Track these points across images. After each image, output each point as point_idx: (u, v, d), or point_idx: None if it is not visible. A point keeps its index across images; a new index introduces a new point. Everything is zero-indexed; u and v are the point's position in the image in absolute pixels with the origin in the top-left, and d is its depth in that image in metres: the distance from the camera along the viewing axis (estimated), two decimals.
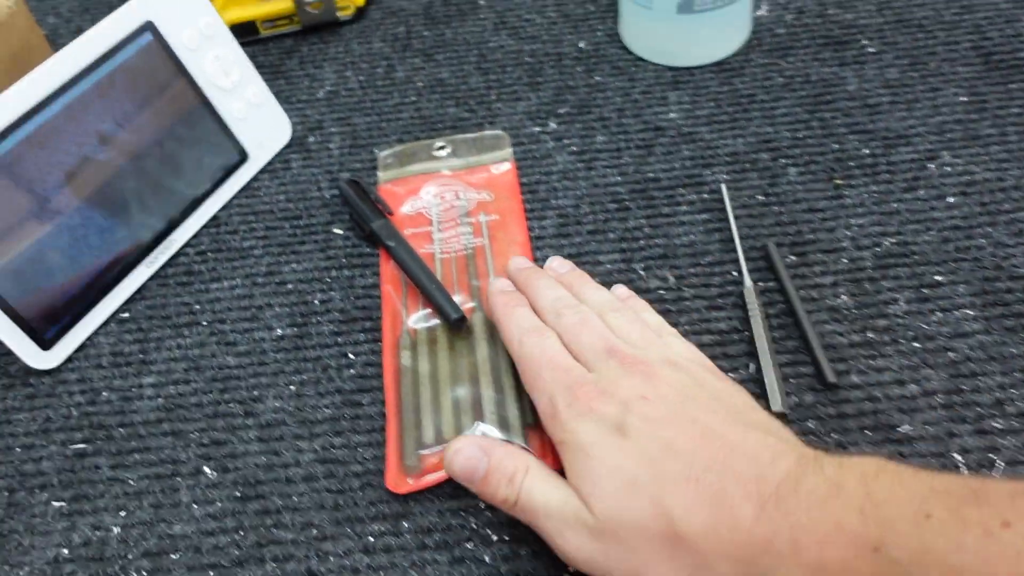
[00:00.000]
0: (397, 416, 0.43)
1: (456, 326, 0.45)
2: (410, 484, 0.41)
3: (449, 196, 0.53)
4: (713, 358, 0.41)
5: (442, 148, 0.56)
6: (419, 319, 0.47)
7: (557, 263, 0.46)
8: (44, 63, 0.45)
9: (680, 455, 0.33)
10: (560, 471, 0.36)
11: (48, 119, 0.46)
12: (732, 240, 0.50)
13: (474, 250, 0.50)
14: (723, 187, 0.52)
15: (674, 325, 0.43)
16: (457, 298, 0.47)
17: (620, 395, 0.36)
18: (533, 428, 0.41)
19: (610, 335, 0.39)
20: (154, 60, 0.50)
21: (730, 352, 0.45)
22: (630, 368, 0.37)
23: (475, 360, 0.44)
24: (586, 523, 0.34)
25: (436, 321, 0.47)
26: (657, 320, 0.43)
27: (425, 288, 0.47)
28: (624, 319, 0.41)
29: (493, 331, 0.46)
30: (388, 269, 0.50)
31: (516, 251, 0.50)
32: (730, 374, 0.43)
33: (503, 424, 0.41)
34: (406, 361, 0.45)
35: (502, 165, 0.54)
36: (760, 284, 0.47)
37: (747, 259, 0.49)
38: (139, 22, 0.49)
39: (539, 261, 0.49)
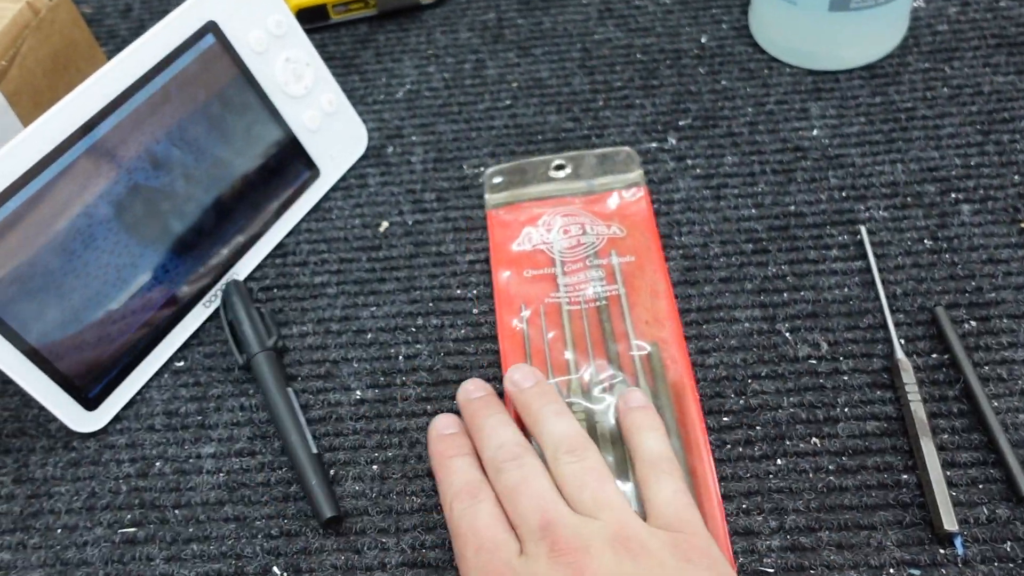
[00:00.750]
0: None
1: (327, 527, 0.37)
2: None
3: (575, 230, 0.44)
4: (870, 451, 0.33)
5: (560, 167, 0.47)
6: (572, 390, 0.39)
7: (519, 375, 0.38)
8: (88, 78, 0.38)
9: None
10: None
11: (95, 142, 0.39)
12: (894, 297, 0.41)
13: (608, 300, 0.42)
14: (863, 230, 0.43)
15: (829, 406, 0.35)
16: (590, 368, 0.39)
17: None
18: None
19: (551, 502, 0.33)
20: (216, 66, 0.43)
21: (898, 444, 0.37)
22: (559, 558, 0.31)
23: (622, 452, 0.37)
24: None
25: (578, 398, 0.39)
26: (652, 452, 0.35)
27: (300, 466, 0.37)
28: (581, 467, 0.34)
29: None
30: (506, 326, 0.42)
31: (660, 305, 0.41)
32: (887, 474, 0.36)
33: None
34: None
35: (633, 191, 0.46)
36: (933, 357, 0.39)
37: (913, 323, 0.40)
38: (201, 22, 0.42)
39: (681, 312, 0.41)
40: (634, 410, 0.37)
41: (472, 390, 0.38)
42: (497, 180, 0.47)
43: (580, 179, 0.47)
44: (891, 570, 0.34)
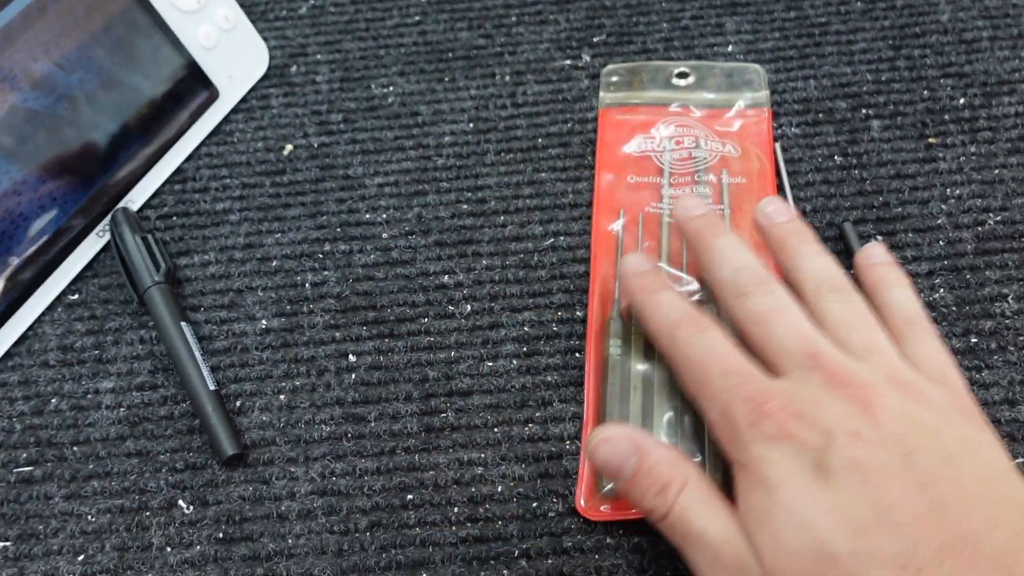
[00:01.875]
0: (596, 422, 0.35)
1: (228, 464, 0.36)
2: (604, 512, 0.33)
3: (687, 142, 0.42)
4: None
5: (684, 75, 0.45)
6: None
7: (773, 208, 0.35)
8: None
9: (898, 531, 0.25)
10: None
11: None
12: (804, 214, 0.41)
13: None
14: (777, 147, 0.43)
15: None
16: (682, 285, 0.38)
17: (823, 421, 0.27)
18: None
19: (814, 334, 0.30)
20: None
21: None
22: (839, 388, 0.28)
23: None
24: (748, 575, 0.27)
25: None
26: (908, 306, 0.32)
27: (198, 404, 0.36)
28: (847, 308, 0.31)
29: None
30: (601, 229, 0.40)
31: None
32: None
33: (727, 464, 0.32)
34: (615, 352, 0.36)
35: (756, 111, 0.44)
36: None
37: (823, 239, 0.40)
38: None
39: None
40: (878, 265, 0.34)
41: (692, 206, 0.35)
42: (614, 79, 0.45)
43: (703, 90, 0.45)
44: None
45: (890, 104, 0.45)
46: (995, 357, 0.37)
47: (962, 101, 0.44)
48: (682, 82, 0.45)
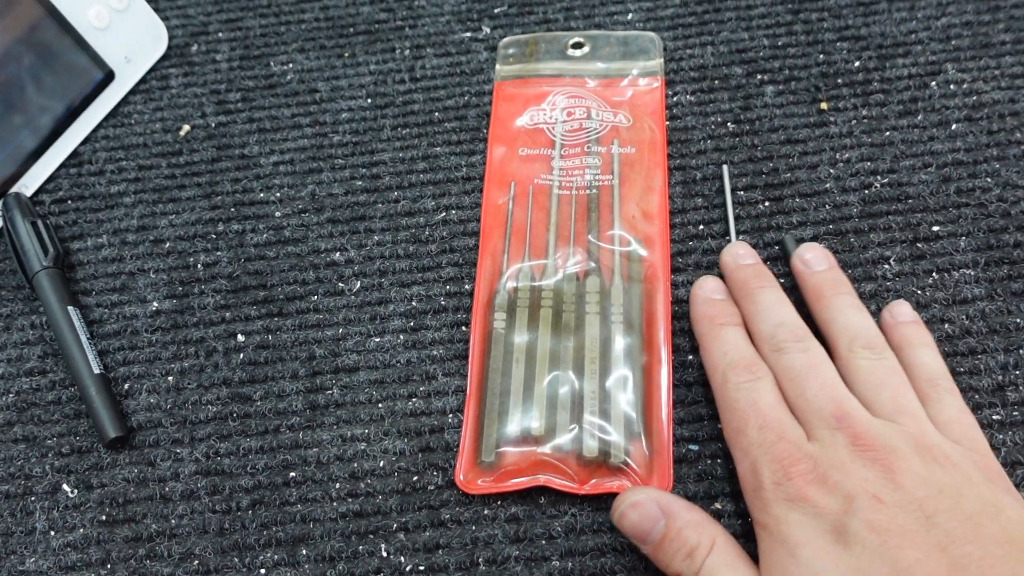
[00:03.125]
0: (479, 395, 0.36)
1: (112, 447, 0.36)
2: (482, 485, 0.34)
3: (579, 112, 0.42)
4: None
5: (579, 45, 0.45)
6: (523, 274, 0.38)
7: (812, 256, 0.36)
8: None
9: None
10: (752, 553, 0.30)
11: None
12: (694, 182, 0.42)
13: (599, 190, 0.40)
14: (724, 169, 0.43)
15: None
16: (568, 254, 0.39)
17: (846, 486, 0.28)
18: (639, 439, 0.34)
19: (844, 394, 0.31)
20: None
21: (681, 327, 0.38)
22: (863, 451, 0.29)
23: (583, 341, 0.36)
24: None
25: (549, 280, 0.38)
26: (933, 368, 0.33)
27: (83, 388, 0.36)
28: (878, 367, 0.32)
29: (608, 306, 0.37)
30: (492, 202, 0.40)
31: (653, 201, 0.40)
32: None
33: (604, 430, 0.34)
34: (499, 325, 0.37)
35: (649, 80, 0.44)
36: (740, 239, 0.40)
37: (711, 207, 0.41)
38: None
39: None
40: (904, 324, 0.35)
41: (743, 254, 0.37)
42: (511, 51, 0.45)
43: (597, 60, 0.45)
44: None
45: (785, 69, 0.45)
46: (875, 319, 0.37)
47: (856, 64, 0.44)
48: (577, 52, 0.45)
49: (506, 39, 0.46)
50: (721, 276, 0.38)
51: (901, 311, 0.35)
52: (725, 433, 0.32)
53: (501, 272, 0.38)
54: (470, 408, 0.36)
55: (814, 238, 0.39)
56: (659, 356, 0.36)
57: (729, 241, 0.39)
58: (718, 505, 0.34)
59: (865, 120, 0.43)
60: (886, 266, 0.39)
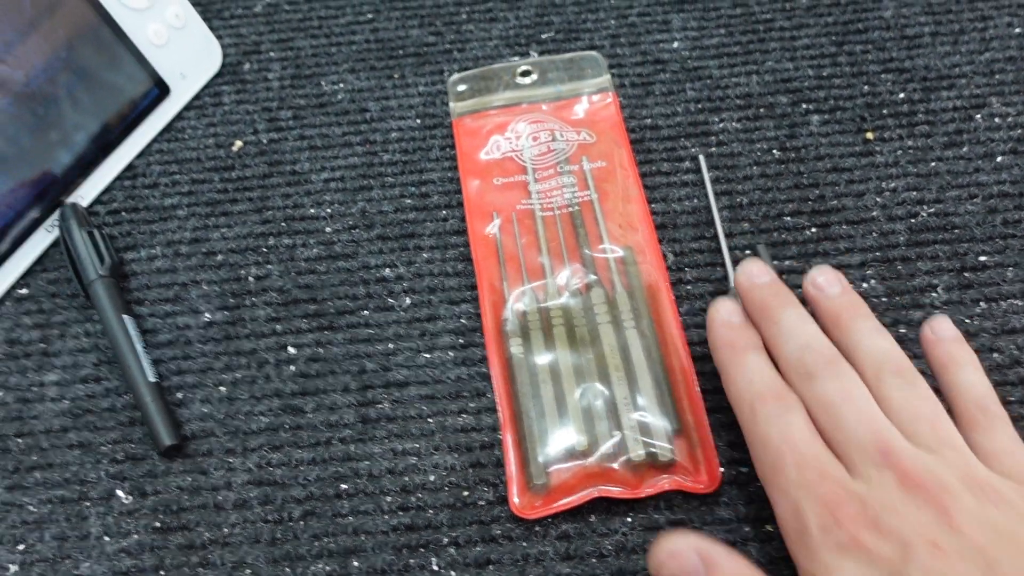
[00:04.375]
0: (513, 421, 0.36)
1: (167, 455, 0.36)
2: (539, 508, 0.34)
3: (544, 136, 0.43)
4: (707, 359, 0.34)
5: (527, 73, 0.46)
6: (527, 297, 0.39)
7: (823, 279, 0.33)
8: None
9: None
10: None
11: None
12: (741, 207, 0.42)
13: (580, 207, 0.41)
14: (701, 158, 0.43)
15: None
16: (566, 272, 0.39)
17: (900, 531, 0.26)
18: (680, 435, 0.35)
19: (885, 426, 0.29)
20: None
21: None
22: (915, 492, 0.27)
23: (602, 351, 0.37)
24: None
25: (555, 300, 0.38)
26: (981, 389, 0.30)
27: (138, 396, 0.37)
28: (912, 396, 0.29)
29: (617, 314, 0.38)
30: (478, 233, 0.41)
31: (633, 210, 0.41)
32: None
33: (644, 432, 0.35)
34: (517, 351, 0.37)
35: (601, 96, 0.45)
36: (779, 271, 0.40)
37: (756, 231, 0.41)
38: None
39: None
40: (946, 341, 0.32)
41: (757, 272, 0.34)
42: (461, 88, 0.46)
43: (547, 85, 0.46)
44: None
45: (830, 99, 0.45)
46: (914, 337, 0.37)
47: (901, 96, 0.45)
48: (527, 80, 0.46)
49: (454, 76, 0.47)
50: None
51: (942, 327, 0.33)
52: (758, 470, 0.30)
53: (504, 299, 0.39)
54: (508, 435, 0.36)
55: (861, 264, 0.40)
56: (677, 352, 0.37)
57: (714, 230, 0.40)
58: (768, 527, 0.34)
59: (911, 150, 0.43)
60: (933, 294, 0.39)
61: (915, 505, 0.27)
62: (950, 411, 0.30)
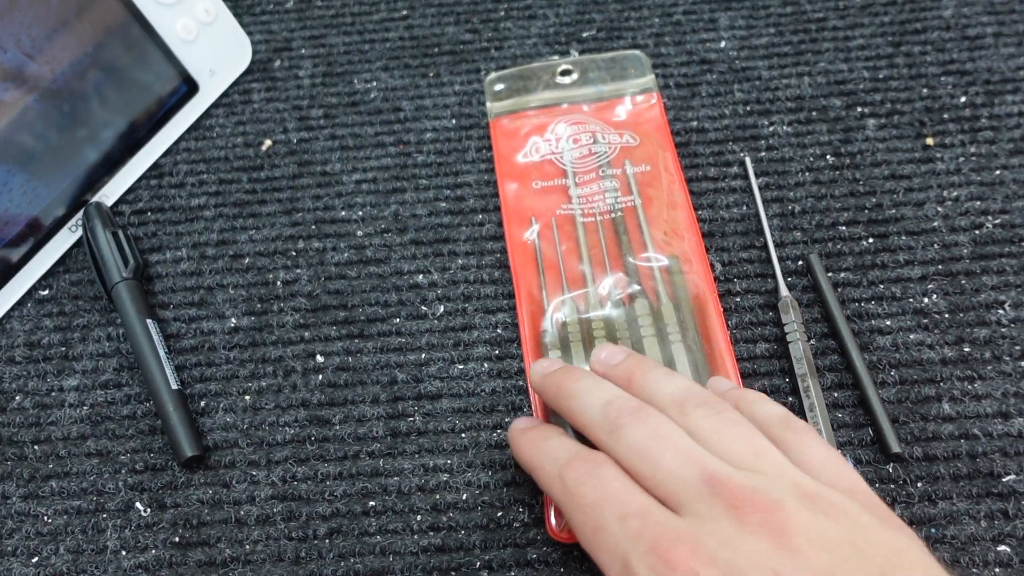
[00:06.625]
0: None
1: (188, 466, 0.35)
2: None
3: (585, 139, 0.42)
4: (758, 374, 0.32)
5: (567, 73, 0.44)
6: (567, 307, 0.37)
7: (605, 354, 0.32)
8: None
9: None
10: None
11: None
12: (793, 215, 0.40)
13: (623, 212, 0.39)
14: (747, 160, 0.41)
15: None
16: (608, 281, 0.37)
17: (738, 564, 0.24)
18: None
19: (704, 455, 0.27)
20: None
21: (786, 367, 0.36)
22: (747, 517, 0.25)
23: None
24: None
25: (597, 312, 0.37)
26: (776, 414, 0.30)
27: (159, 404, 0.35)
28: (722, 420, 0.28)
29: (663, 327, 0.36)
30: (516, 239, 0.39)
31: (678, 217, 0.39)
32: (773, 397, 0.35)
33: None
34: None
35: (645, 97, 0.43)
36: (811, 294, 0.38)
37: (810, 241, 0.39)
38: None
39: (707, 236, 0.39)
40: (731, 390, 0.32)
41: (547, 365, 0.33)
42: (499, 87, 0.44)
43: (588, 85, 0.44)
44: None
45: (887, 102, 0.43)
46: (989, 367, 0.35)
47: (963, 100, 0.43)
48: (567, 80, 0.44)
49: (492, 75, 0.45)
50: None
51: (720, 384, 0.32)
52: (580, 538, 0.27)
53: (543, 309, 0.37)
54: None
55: (922, 278, 0.37)
56: (725, 367, 0.35)
57: (764, 239, 0.38)
58: None
59: (974, 157, 0.41)
60: (1000, 311, 0.36)
61: (749, 533, 0.25)
62: None
